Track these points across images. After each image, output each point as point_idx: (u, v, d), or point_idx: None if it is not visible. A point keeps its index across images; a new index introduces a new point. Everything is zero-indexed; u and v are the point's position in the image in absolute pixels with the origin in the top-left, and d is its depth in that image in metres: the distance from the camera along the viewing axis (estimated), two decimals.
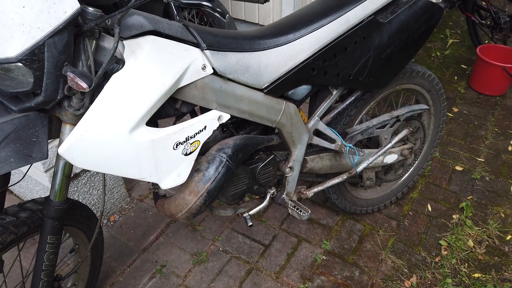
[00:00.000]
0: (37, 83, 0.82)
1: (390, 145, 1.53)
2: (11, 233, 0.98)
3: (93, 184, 1.80)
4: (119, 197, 1.99)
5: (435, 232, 1.84)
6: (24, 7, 0.75)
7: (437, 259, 1.72)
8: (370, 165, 1.55)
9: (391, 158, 1.64)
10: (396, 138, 1.55)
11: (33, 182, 1.77)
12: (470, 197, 2.01)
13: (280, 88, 1.21)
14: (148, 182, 2.13)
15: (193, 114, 1.20)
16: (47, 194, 1.74)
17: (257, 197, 1.97)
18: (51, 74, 0.81)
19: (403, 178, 1.89)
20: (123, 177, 2.02)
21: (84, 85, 0.80)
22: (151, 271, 1.71)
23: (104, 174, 1.04)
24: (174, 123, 1.09)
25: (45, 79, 0.81)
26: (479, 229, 1.84)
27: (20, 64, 0.78)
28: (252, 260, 1.74)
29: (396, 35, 1.32)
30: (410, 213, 1.94)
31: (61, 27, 0.78)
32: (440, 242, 1.79)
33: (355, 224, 1.88)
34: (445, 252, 1.75)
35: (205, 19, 2.69)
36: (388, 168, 1.81)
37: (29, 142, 0.86)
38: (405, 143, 1.69)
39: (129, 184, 2.13)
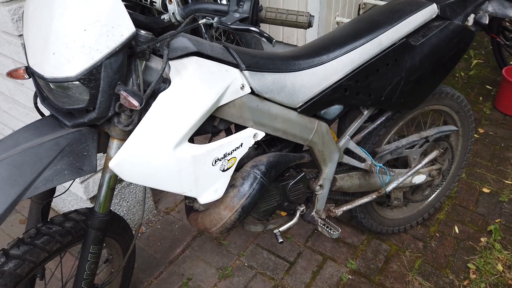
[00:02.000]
0: (92, 101, 0.87)
1: (420, 165, 1.53)
2: (57, 242, 1.02)
3: (123, 196, 1.85)
4: (147, 209, 2.03)
5: (463, 255, 1.82)
6: (85, 30, 0.81)
7: (465, 283, 1.69)
8: (399, 185, 1.55)
9: (419, 179, 1.64)
10: (427, 159, 1.56)
11: (67, 192, 1.83)
12: (498, 220, 1.97)
13: (313, 107, 1.24)
14: (183, 196, 2.17)
15: (227, 132, 1.24)
16: (80, 204, 1.80)
17: (283, 214, 1.99)
18: (106, 93, 0.86)
19: (430, 199, 1.88)
20: (151, 190, 2.07)
21: (136, 103, 0.85)
22: (178, 284, 1.73)
23: (145, 188, 1.08)
24: (210, 141, 1.13)
25: (99, 97, 0.86)
26: (509, 253, 1.80)
27: (79, 82, 0.83)
28: (277, 276, 1.75)
29: (427, 58, 1.35)
30: (437, 234, 1.92)
31: (117, 49, 0.83)
32: (469, 265, 1.76)
33: (381, 244, 1.87)
34: (474, 276, 1.72)
35: (232, 37, 2.76)
36: (415, 188, 1.81)
37: (81, 155, 0.91)
38: (433, 164, 1.69)
39: (156, 197, 2.18)
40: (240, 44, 2.69)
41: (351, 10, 3.14)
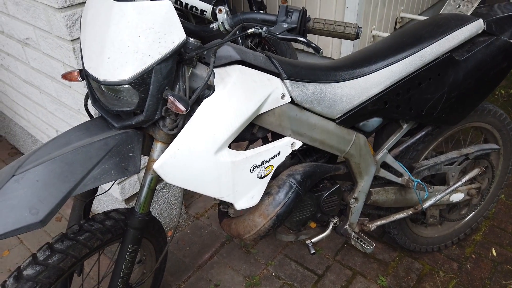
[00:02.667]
0: (140, 104, 0.90)
1: (460, 183, 1.49)
2: (97, 239, 1.05)
3: (156, 199, 1.89)
4: (177, 213, 2.06)
5: (500, 278, 1.74)
6: (139, 36, 0.84)
7: None
8: (436, 202, 1.51)
9: (457, 197, 1.59)
10: (467, 176, 1.51)
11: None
12: None
13: (352, 119, 1.23)
14: (212, 202, 2.20)
15: (264, 141, 1.26)
16: (114, 205, 1.85)
17: (313, 225, 1.97)
18: (154, 97, 0.89)
19: (467, 219, 1.82)
20: (182, 195, 2.10)
21: (182, 108, 0.88)
22: None
23: (182, 190, 1.10)
24: (246, 148, 1.15)
25: (148, 100, 0.90)
26: None
27: (130, 86, 0.87)
28: None
29: (471, 74, 1.32)
30: (473, 256, 1.85)
31: (168, 55, 0.86)
32: None
33: (413, 262, 1.82)
34: None
35: (266, 47, 2.79)
36: (452, 207, 1.76)
37: (127, 156, 0.94)
38: (472, 183, 1.64)
39: (187, 202, 2.21)
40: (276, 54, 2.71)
41: (388, 24, 3.11)
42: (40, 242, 2.02)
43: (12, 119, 2.36)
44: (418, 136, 1.41)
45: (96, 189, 1.14)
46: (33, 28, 1.47)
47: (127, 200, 1.75)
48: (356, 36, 0.88)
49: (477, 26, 1.31)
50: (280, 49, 2.68)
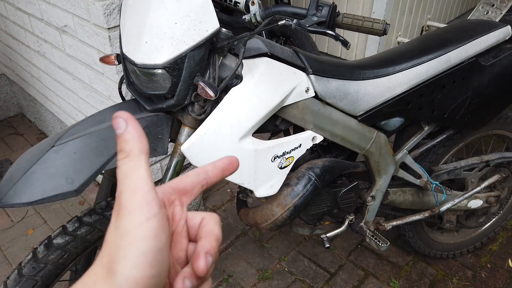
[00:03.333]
0: (172, 88, 0.95)
1: (479, 188, 1.49)
2: None
3: None
4: (195, 203, 2.11)
5: None
6: (176, 23, 0.89)
7: None
8: (454, 207, 1.51)
9: (475, 203, 1.59)
10: (486, 182, 1.51)
11: None
12: None
13: (374, 117, 1.25)
14: (229, 196, 2.24)
15: (286, 134, 1.29)
16: None
17: (327, 223, 1.99)
18: (185, 82, 0.94)
19: (484, 227, 1.81)
20: None
21: (211, 93, 0.92)
22: (219, 279, 1.78)
23: None
24: (269, 140, 1.18)
25: (179, 85, 0.94)
26: None
27: (163, 70, 0.92)
28: (316, 286, 1.75)
29: (496, 79, 1.32)
30: (488, 265, 1.83)
31: (201, 42, 0.91)
32: None
33: (427, 268, 1.81)
34: None
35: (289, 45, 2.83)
36: (470, 214, 1.75)
37: (156, 138, 0.99)
38: (491, 190, 1.63)
39: (205, 194, 2.26)
40: None
41: (414, 32, 3.11)
42: (63, 223, 2.10)
43: (43, 105, 2.46)
44: (439, 139, 1.42)
45: None
46: (72, 16, 1.55)
47: None
48: (383, 32, 0.90)
49: (504, 32, 1.32)
50: (304, 50, 2.71)
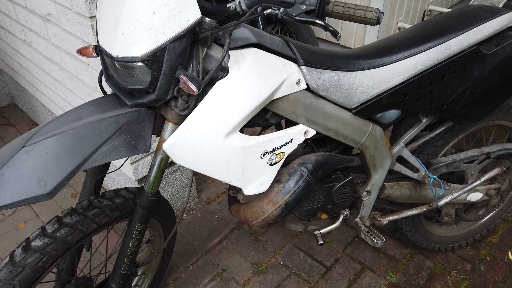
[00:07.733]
0: (153, 82, 0.89)
1: (479, 182, 1.44)
2: (106, 216, 1.06)
3: (169, 181, 1.90)
4: (187, 194, 2.07)
5: None
6: (154, 13, 0.83)
7: None
8: (453, 201, 1.47)
9: (475, 197, 1.54)
10: (486, 176, 1.45)
11: (117, 172, 1.92)
12: None
13: (369, 110, 1.20)
14: (225, 188, 2.20)
15: (277, 128, 1.23)
16: (128, 184, 1.87)
17: (324, 217, 1.95)
18: (166, 76, 0.88)
19: (484, 220, 1.76)
20: (195, 178, 2.11)
21: (194, 88, 0.86)
22: (212, 273, 1.75)
23: (192, 173, 1.09)
24: (259, 134, 1.13)
25: (160, 79, 0.88)
26: None
27: (142, 64, 0.86)
28: (312, 280, 1.72)
29: (498, 69, 1.26)
30: (488, 258, 1.79)
31: (182, 33, 0.85)
32: None
33: (425, 261, 1.78)
34: None
35: (288, 35, 2.75)
36: (469, 206, 1.70)
37: (137, 135, 0.94)
38: (492, 183, 1.58)
39: (199, 186, 2.22)
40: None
41: (415, 16, 3.01)
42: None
43: (33, 95, 2.41)
44: (437, 131, 1.36)
45: (107, 166, 1.15)
46: (54, 4, 1.48)
47: (140, 181, 1.77)
48: (376, 22, 0.84)
49: (508, 19, 1.25)
50: (301, 37, 2.63)
